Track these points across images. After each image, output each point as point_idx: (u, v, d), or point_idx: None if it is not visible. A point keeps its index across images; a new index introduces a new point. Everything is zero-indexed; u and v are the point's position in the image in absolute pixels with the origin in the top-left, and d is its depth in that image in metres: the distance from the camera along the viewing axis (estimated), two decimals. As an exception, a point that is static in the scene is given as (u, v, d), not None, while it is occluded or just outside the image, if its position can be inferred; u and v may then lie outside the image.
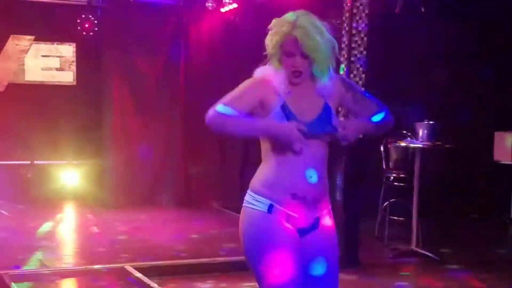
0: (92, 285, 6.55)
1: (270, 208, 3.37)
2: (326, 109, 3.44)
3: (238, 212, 11.03)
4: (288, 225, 3.39)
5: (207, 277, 7.19)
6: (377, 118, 3.57)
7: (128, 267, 7.06)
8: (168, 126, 11.30)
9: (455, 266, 7.75)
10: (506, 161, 9.82)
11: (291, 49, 3.32)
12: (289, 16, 3.37)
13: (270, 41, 3.39)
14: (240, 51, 10.82)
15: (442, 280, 7.30)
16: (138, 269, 6.99)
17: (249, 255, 3.43)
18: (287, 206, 3.37)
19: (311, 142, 3.34)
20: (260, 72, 3.47)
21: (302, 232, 3.44)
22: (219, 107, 3.36)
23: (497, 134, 9.97)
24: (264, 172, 3.46)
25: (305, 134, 3.28)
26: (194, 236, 9.03)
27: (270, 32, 3.40)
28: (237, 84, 11.45)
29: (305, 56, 3.32)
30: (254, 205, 3.42)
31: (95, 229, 9.28)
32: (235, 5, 10.68)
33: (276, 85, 3.39)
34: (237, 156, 10.89)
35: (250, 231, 3.44)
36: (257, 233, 3.40)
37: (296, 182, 3.37)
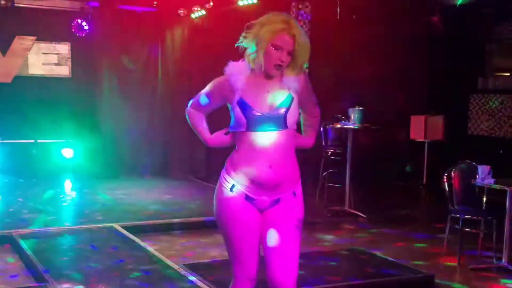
0: (86, 241, 6.50)
1: (232, 187, 3.22)
2: (288, 99, 3.18)
3: (205, 181, 11.05)
4: (247, 204, 3.24)
5: (181, 234, 7.32)
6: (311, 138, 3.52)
7: (116, 226, 7.09)
8: (148, 111, 11.30)
9: (379, 222, 7.94)
10: (419, 139, 10.00)
11: (282, 44, 3.09)
12: (280, 16, 3.15)
13: (262, 34, 3.11)
14: (206, 51, 10.82)
15: (369, 233, 7.48)
16: (125, 227, 7.04)
17: (217, 221, 3.37)
18: (246, 188, 3.20)
19: (271, 132, 3.16)
20: (230, 67, 3.24)
21: (261, 209, 3.29)
22: (190, 104, 3.43)
23: (413, 117, 10.14)
24: (234, 156, 3.26)
25: (259, 126, 3.14)
26: (170, 200, 9.06)
27: (263, 28, 3.12)
28: (202, 78, 11.40)
29: (290, 53, 3.11)
30: (223, 181, 3.27)
31: (88, 195, 9.28)
32: (203, 12, 10.65)
33: (233, 82, 3.19)
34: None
35: (217, 203, 3.31)
36: (221, 207, 3.29)
37: (255, 170, 3.16)
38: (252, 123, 3.14)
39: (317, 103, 3.46)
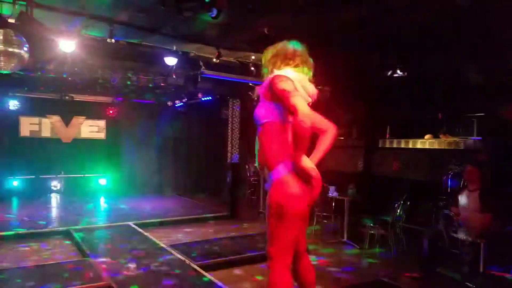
0: (111, 234, 6.24)
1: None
2: None
3: (183, 195, 10.54)
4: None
5: (168, 227, 7.05)
6: None
7: (131, 224, 6.85)
8: (148, 159, 10.93)
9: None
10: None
11: None
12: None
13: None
14: (187, 128, 10.75)
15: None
16: (136, 224, 6.81)
17: (287, 213, 2.25)
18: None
19: None
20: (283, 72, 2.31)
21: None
22: (303, 112, 2.07)
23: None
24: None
25: None
26: (165, 206, 8.73)
27: None
28: (180, 141, 10.75)
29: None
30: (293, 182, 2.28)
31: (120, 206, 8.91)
32: (181, 103, 10.64)
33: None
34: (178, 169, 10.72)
35: (294, 200, 2.25)
36: (297, 204, 2.27)
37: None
38: None
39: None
